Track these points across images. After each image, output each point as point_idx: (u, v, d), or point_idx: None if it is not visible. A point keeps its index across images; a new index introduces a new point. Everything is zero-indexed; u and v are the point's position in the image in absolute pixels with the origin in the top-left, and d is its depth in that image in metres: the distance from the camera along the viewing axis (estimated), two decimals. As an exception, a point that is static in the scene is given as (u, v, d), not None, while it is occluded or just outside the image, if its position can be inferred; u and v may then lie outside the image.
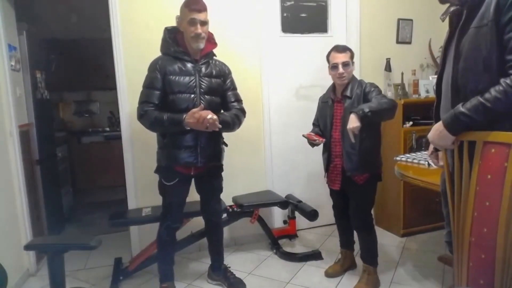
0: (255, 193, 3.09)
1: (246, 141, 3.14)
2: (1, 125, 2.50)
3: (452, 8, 1.43)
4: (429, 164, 2.56)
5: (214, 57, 2.31)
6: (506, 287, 1.42)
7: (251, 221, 2.94)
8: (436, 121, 1.59)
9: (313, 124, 2.54)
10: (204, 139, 2.16)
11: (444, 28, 1.58)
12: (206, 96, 2.17)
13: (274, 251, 2.99)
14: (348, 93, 2.25)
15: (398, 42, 3.50)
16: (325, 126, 2.38)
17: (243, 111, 2.35)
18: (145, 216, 2.59)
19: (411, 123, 3.30)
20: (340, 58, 2.25)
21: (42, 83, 3.43)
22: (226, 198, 2.95)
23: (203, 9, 2.11)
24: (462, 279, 1.61)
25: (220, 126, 2.09)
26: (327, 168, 2.40)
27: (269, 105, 3.19)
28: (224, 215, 2.87)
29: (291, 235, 3.22)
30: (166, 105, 2.13)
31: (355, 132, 2.03)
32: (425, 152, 3.03)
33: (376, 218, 3.52)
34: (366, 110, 2.02)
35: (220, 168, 2.38)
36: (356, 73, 3.37)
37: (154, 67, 2.15)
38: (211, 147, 2.21)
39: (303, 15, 3.31)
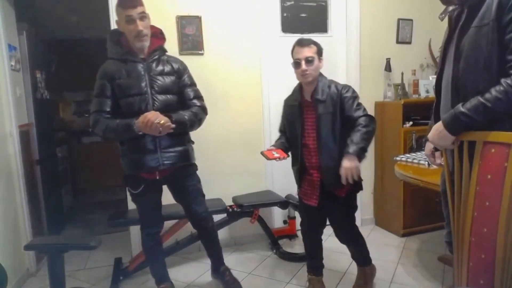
0: (255, 193, 3.09)
1: (246, 141, 3.14)
2: (1, 125, 2.50)
3: (451, 8, 1.43)
4: (429, 164, 2.56)
5: (166, 53, 2.16)
6: (506, 287, 1.42)
7: (251, 221, 2.94)
8: (436, 121, 1.59)
9: (280, 130, 2.28)
10: (165, 140, 2.03)
11: (444, 28, 1.57)
12: (159, 95, 2.03)
13: (274, 251, 2.99)
14: (319, 95, 1.98)
15: (398, 42, 3.50)
16: (293, 133, 2.10)
17: (203, 109, 2.19)
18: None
19: (411, 123, 3.30)
20: (303, 53, 1.96)
21: (42, 83, 3.44)
22: (226, 198, 2.96)
23: (138, 3, 1.94)
24: (462, 279, 1.61)
25: (173, 126, 1.94)
26: (300, 182, 2.17)
27: (269, 105, 3.18)
28: (224, 215, 2.87)
29: (291, 235, 3.22)
30: (118, 111, 2.03)
31: (357, 173, 1.85)
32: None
33: (376, 218, 3.53)
34: (363, 153, 1.86)
35: (190, 168, 2.21)
36: (356, 73, 3.39)
37: (101, 74, 2.05)
38: (173, 148, 2.08)
39: (303, 15, 3.31)
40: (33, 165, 2.99)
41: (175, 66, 2.14)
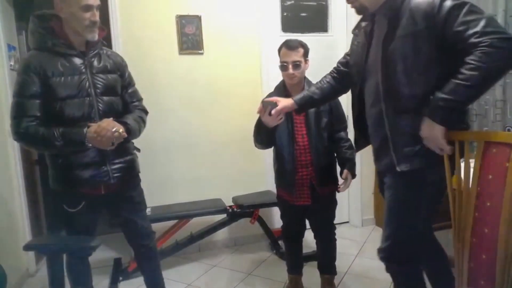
0: (255, 193, 3.09)
1: (246, 141, 3.12)
2: (1, 125, 2.49)
3: (364, 24, 1.56)
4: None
5: (104, 47, 1.84)
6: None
7: (251, 221, 2.93)
8: (360, 133, 1.70)
9: None
10: (112, 150, 1.71)
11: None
12: (104, 97, 1.74)
13: (274, 251, 2.99)
14: None
15: (398, 41, 3.50)
16: (281, 131, 2.05)
17: (146, 112, 1.96)
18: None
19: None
20: (291, 57, 1.98)
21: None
22: (226, 198, 2.96)
23: None
24: (463, 279, 1.60)
25: (125, 135, 1.68)
26: (293, 183, 2.07)
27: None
28: (224, 215, 2.87)
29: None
30: (51, 116, 1.65)
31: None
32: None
33: (377, 218, 3.52)
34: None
35: (137, 179, 1.96)
36: (356, 73, 3.38)
37: (26, 68, 1.63)
38: (121, 158, 1.81)
39: (303, 14, 3.30)
40: (32, 165, 2.99)
41: (117, 61, 1.85)
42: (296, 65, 1.99)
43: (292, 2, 3.25)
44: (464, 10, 1.27)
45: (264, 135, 2.01)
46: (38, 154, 3.09)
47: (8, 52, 2.61)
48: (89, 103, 1.70)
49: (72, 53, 1.70)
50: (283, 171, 2.10)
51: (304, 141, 2.05)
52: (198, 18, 2.96)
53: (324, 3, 3.33)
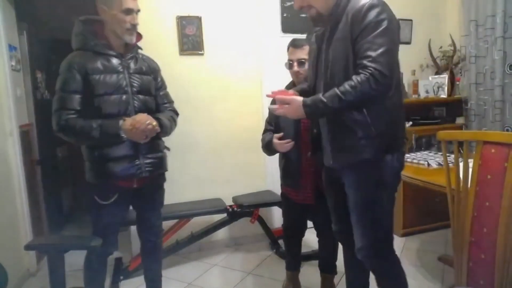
0: (255, 193, 3.10)
1: (246, 141, 3.14)
2: (2, 125, 2.50)
3: (317, 29, 1.64)
4: (428, 164, 2.57)
5: (140, 51, 1.98)
6: (506, 287, 1.43)
7: (251, 221, 2.94)
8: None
9: (267, 129, 2.23)
10: (144, 145, 1.84)
11: (444, 28, 1.59)
12: (139, 96, 1.86)
13: (274, 251, 2.99)
14: None
15: (398, 42, 3.51)
16: (287, 130, 2.08)
17: (176, 113, 2.08)
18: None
19: (410, 123, 3.30)
20: (296, 54, 2.06)
21: (42, 83, 3.44)
22: (226, 198, 2.96)
23: None
24: (462, 279, 1.61)
25: (159, 130, 1.81)
26: (296, 180, 2.10)
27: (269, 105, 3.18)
28: (224, 215, 2.88)
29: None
30: (90, 111, 1.77)
31: None
32: (425, 152, 3.04)
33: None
34: None
35: (163, 177, 2.06)
36: (356, 73, 3.39)
37: (69, 66, 1.76)
38: (153, 154, 1.91)
39: (303, 15, 3.30)
40: (33, 165, 2.99)
41: (151, 65, 1.99)
42: (301, 63, 2.05)
43: (292, 3, 3.25)
44: (379, 30, 1.37)
45: (274, 153, 2.13)
46: (39, 154, 3.10)
47: (9, 52, 2.62)
48: (125, 100, 1.82)
49: (111, 54, 1.82)
50: (289, 170, 2.14)
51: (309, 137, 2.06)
52: (198, 19, 2.97)
53: (324, 3, 3.34)
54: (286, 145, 1.97)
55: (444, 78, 3.40)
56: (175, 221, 2.76)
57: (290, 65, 2.10)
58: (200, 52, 3.01)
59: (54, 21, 4.64)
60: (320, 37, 1.61)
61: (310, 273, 2.60)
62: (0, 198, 2.40)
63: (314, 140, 1.73)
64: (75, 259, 2.89)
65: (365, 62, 1.36)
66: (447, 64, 3.49)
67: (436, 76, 3.49)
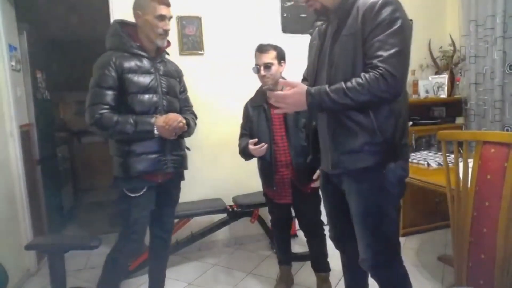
0: (255, 193, 3.09)
1: (246, 141, 3.14)
2: (2, 125, 2.50)
3: (318, 23, 1.59)
4: (428, 164, 2.57)
5: (166, 55, 2.09)
6: (506, 287, 1.43)
7: (251, 221, 2.94)
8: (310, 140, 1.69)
9: (243, 134, 2.29)
10: (170, 143, 1.93)
11: (443, 28, 1.59)
12: (168, 96, 1.96)
13: (274, 250, 2.99)
14: None
15: (398, 42, 3.50)
16: (261, 133, 2.16)
17: (196, 117, 2.20)
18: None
19: (410, 123, 3.30)
20: (261, 59, 2.10)
21: (42, 83, 3.44)
22: (226, 198, 2.96)
23: (170, 4, 1.93)
24: (462, 279, 1.61)
25: (186, 129, 1.94)
26: (271, 182, 2.18)
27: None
28: (224, 215, 2.88)
29: (291, 235, 3.22)
30: (123, 109, 1.85)
31: None
32: (425, 152, 3.04)
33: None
34: None
35: (182, 176, 2.15)
36: (356, 73, 3.39)
37: (106, 63, 1.83)
38: (177, 151, 2.00)
39: (303, 15, 3.31)
40: (33, 165, 3.00)
41: (177, 69, 2.12)
42: (267, 67, 2.09)
43: (292, 3, 3.26)
44: (392, 29, 1.29)
45: (250, 158, 2.20)
46: (39, 154, 3.10)
47: (9, 52, 2.62)
48: (156, 100, 1.91)
49: (144, 56, 1.92)
50: (264, 171, 2.22)
51: (284, 142, 2.15)
52: (198, 19, 2.97)
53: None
54: (261, 149, 2.04)
55: (444, 78, 3.40)
56: (175, 221, 2.76)
57: (256, 69, 2.14)
58: (200, 52, 3.01)
59: (54, 21, 4.66)
60: (324, 33, 1.53)
61: (306, 274, 2.61)
62: (0, 198, 2.40)
63: (313, 141, 1.66)
64: (75, 259, 2.91)
65: (375, 61, 1.29)
66: (447, 64, 3.49)
67: (436, 76, 3.49)
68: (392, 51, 1.28)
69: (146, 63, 1.91)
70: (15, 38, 2.84)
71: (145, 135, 1.84)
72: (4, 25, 2.55)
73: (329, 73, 1.43)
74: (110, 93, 1.82)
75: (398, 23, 1.29)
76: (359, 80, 1.30)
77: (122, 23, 1.96)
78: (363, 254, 1.49)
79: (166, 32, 1.91)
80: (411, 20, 3.51)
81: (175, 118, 1.84)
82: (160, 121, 1.83)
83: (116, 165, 1.91)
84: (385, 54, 1.28)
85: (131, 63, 1.86)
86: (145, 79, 1.88)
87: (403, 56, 1.31)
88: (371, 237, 1.46)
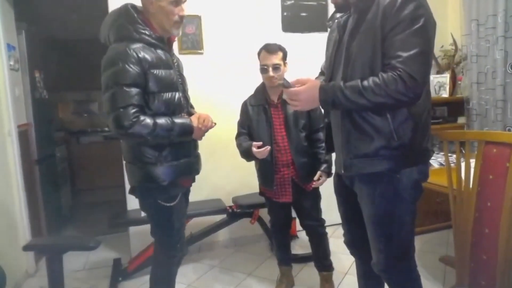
0: (255, 193, 3.07)
1: (246, 141, 3.13)
2: (0, 125, 2.49)
3: (338, 15, 1.48)
4: (430, 164, 2.55)
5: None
6: (508, 288, 1.41)
7: (251, 221, 2.93)
8: (327, 135, 1.59)
9: (241, 132, 2.27)
10: (194, 142, 1.82)
11: (445, 27, 1.57)
12: (186, 94, 1.81)
13: (274, 252, 2.98)
14: None
15: (398, 41, 3.49)
16: (261, 133, 2.15)
17: None
18: (144, 217, 2.57)
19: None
20: (271, 60, 2.07)
21: (41, 83, 3.42)
22: (226, 198, 2.95)
23: None
24: (464, 280, 1.60)
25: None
26: (272, 181, 2.17)
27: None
28: (224, 216, 2.87)
29: (291, 236, 3.20)
30: (146, 108, 1.63)
31: None
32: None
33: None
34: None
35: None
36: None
37: (133, 57, 1.54)
38: (197, 152, 1.90)
39: (303, 14, 3.29)
40: (32, 165, 2.99)
41: (181, 64, 1.89)
42: (276, 68, 2.08)
43: (292, 1, 3.25)
44: (414, 28, 1.21)
45: (253, 159, 2.18)
46: (38, 154, 3.09)
47: (8, 51, 2.61)
48: (179, 97, 1.70)
49: (163, 47, 1.68)
50: (264, 171, 2.21)
51: (284, 141, 2.15)
52: (198, 18, 2.96)
53: (324, 3, 3.32)
54: (265, 151, 2.03)
55: (446, 77, 3.39)
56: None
57: (264, 70, 2.10)
58: (199, 51, 2.99)
59: (53, 21, 4.64)
60: (343, 26, 1.43)
61: (310, 274, 2.59)
62: (-2, 198, 2.39)
63: (328, 139, 1.58)
64: (74, 260, 2.90)
65: (394, 62, 1.21)
66: (449, 63, 3.48)
67: (437, 76, 3.47)
68: (413, 51, 1.20)
69: (165, 55, 1.67)
70: (14, 37, 2.83)
71: (185, 137, 1.67)
72: (2, 24, 2.54)
73: (345, 71, 1.36)
74: (136, 91, 1.54)
75: (421, 21, 1.21)
76: (376, 80, 1.23)
77: (136, 8, 1.66)
78: (375, 258, 1.46)
79: (181, 19, 1.67)
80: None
81: (209, 118, 1.71)
82: (195, 122, 1.66)
83: (142, 173, 1.65)
84: (405, 54, 1.20)
85: (152, 56, 1.60)
86: (167, 75, 1.64)
87: (424, 57, 1.23)
88: (383, 242, 1.41)
